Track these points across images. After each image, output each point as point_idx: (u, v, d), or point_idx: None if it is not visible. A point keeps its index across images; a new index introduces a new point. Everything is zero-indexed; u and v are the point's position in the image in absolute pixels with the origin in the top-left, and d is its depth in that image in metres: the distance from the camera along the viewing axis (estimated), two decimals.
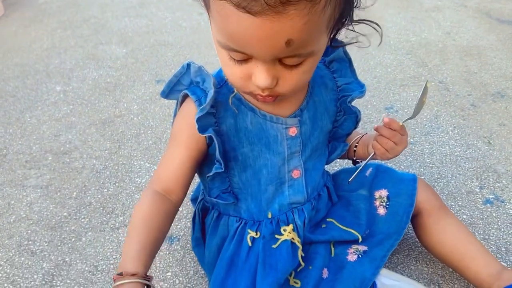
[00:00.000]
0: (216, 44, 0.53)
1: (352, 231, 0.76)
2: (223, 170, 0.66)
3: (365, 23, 0.61)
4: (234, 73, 0.54)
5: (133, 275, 0.54)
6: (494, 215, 0.94)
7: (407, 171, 1.07)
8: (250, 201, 0.72)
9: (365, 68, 1.58)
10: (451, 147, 1.15)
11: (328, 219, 0.79)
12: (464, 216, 0.94)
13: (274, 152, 0.68)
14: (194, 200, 0.93)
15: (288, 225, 0.73)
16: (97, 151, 1.16)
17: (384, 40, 1.81)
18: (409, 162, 1.10)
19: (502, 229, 0.90)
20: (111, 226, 0.93)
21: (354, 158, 0.82)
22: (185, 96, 0.66)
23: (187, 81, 0.66)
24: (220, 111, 0.65)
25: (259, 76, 0.52)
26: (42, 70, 1.61)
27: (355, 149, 0.79)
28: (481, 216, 0.94)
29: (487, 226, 0.91)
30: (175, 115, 0.71)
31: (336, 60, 0.73)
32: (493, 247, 0.86)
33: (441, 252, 0.77)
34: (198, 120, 0.61)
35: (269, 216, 0.73)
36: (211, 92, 0.61)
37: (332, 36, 0.57)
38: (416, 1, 2.23)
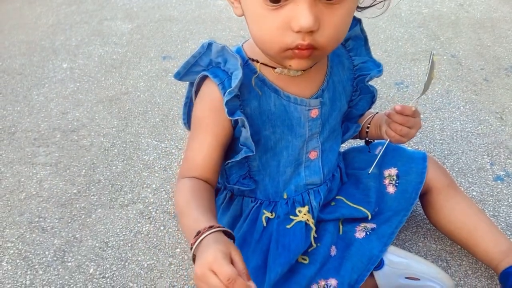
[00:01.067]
0: (248, 2, 0.52)
1: (362, 208, 0.76)
2: (254, 153, 0.63)
3: None
4: (269, 25, 0.51)
5: (210, 227, 0.51)
6: (504, 191, 0.93)
7: (417, 147, 1.06)
8: (267, 182, 0.72)
9: (375, 42, 1.54)
10: (462, 123, 1.13)
11: (337, 197, 0.78)
12: (474, 193, 0.93)
13: (296, 135, 0.67)
14: None
15: (303, 206, 0.73)
16: (104, 128, 1.16)
17: (395, 12, 1.76)
18: (419, 139, 1.08)
19: None
20: (120, 203, 0.93)
21: (367, 139, 0.81)
22: (203, 78, 0.63)
23: (206, 61, 0.62)
24: (244, 93, 0.62)
25: (302, 15, 0.49)
26: (48, 47, 1.60)
27: (367, 130, 0.79)
28: (491, 193, 0.93)
29: (497, 203, 0.90)
30: (188, 97, 0.69)
31: (352, 38, 0.71)
32: (503, 224, 0.86)
33: (450, 229, 0.76)
34: (227, 103, 0.58)
35: (285, 197, 0.73)
36: (238, 74, 0.58)
37: None
38: None
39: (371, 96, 0.75)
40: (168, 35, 1.67)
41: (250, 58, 0.64)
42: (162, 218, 0.90)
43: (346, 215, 0.76)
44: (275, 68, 0.63)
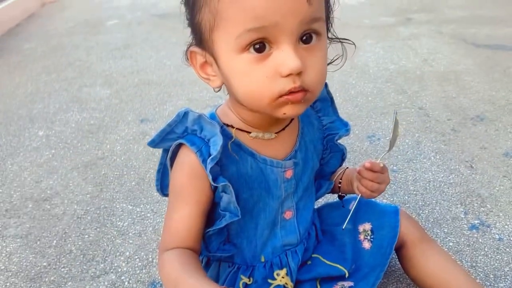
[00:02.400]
0: (229, 60, 0.53)
1: (339, 266, 0.75)
2: (239, 217, 0.62)
3: (341, 41, 0.64)
4: (258, 77, 0.52)
5: None
6: (480, 240, 0.93)
7: (391, 199, 1.07)
8: (245, 246, 0.70)
9: (346, 97, 1.60)
10: (434, 173, 1.16)
11: (313, 255, 0.78)
12: (451, 244, 0.93)
13: (274, 196, 0.68)
14: None
15: (281, 268, 0.72)
16: (78, 195, 1.15)
17: (364, 69, 1.85)
18: (393, 190, 1.10)
19: (489, 255, 0.89)
20: (91, 274, 0.90)
21: (340, 193, 0.82)
22: (179, 145, 0.63)
23: (181, 129, 0.62)
24: (222, 159, 0.62)
25: (288, 58, 0.50)
26: (25, 115, 1.61)
27: (339, 185, 0.80)
28: (468, 243, 0.93)
29: (474, 252, 0.90)
30: (162, 163, 0.68)
31: (320, 99, 0.74)
32: (481, 274, 0.85)
33: (427, 284, 0.75)
34: (210, 170, 0.58)
35: (262, 260, 0.72)
36: (218, 140, 0.58)
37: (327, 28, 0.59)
38: (393, 31, 2.29)
39: (341, 154, 0.78)
40: (146, 98, 1.71)
41: (224, 124, 0.65)
42: None
43: (323, 274, 0.75)
44: (249, 132, 0.64)
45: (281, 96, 0.53)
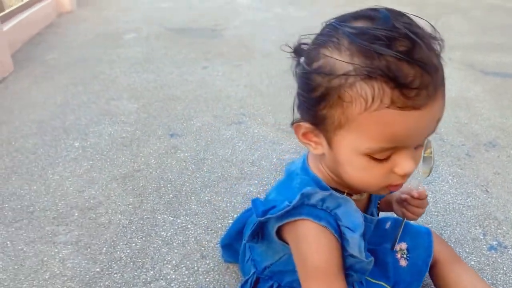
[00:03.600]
0: (350, 154, 0.56)
1: (383, 284, 0.83)
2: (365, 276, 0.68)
3: None
4: (374, 174, 0.57)
5: None
6: (499, 260, 1.02)
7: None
8: None
9: None
10: (453, 195, 1.25)
11: None
12: (472, 263, 1.01)
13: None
14: (225, 246, 0.98)
15: None
16: (121, 205, 1.22)
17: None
18: None
19: (508, 274, 0.98)
20: (143, 280, 0.97)
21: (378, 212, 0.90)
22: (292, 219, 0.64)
23: (298, 203, 0.63)
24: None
25: (407, 165, 0.55)
26: (58, 126, 1.68)
27: (378, 206, 0.88)
28: (488, 262, 1.01)
29: (494, 271, 0.99)
30: (258, 224, 0.70)
31: None
32: None
33: None
34: (362, 248, 0.63)
35: None
36: (357, 215, 0.64)
37: None
38: None
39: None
40: (173, 113, 1.79)
41: (332, 188, 0.67)
42: None
43: None
44: (351, 195, 0.68)
45: (388, 186, 0.60)
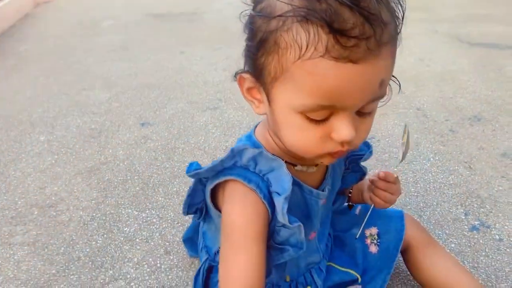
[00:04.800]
0: (286, 112, 0.51)
1: (351, 271, 0.77)
2: (304, 250, 0.60)
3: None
4: (310, 136, 0.51)
5: None
6: (481, 241, 0.95)
7: None
8: (271, 268, 0.69)
9: None
10: (434, 174, 1.18)
11: (327, 264, 0.79)
12: (453, 245, 0.95)
13: (312, 225, 0.68)
14: (186, 240, 0.93)
15: (306, 286, 0.73)
16: (83, 201, 1.16)
17: (391, 96, 1.86)
18: None
19: (490, 256, 0.92)
20: (101, 281, 0.91)
21: (350, 203, 0.84)
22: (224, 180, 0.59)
23: (230, 163, 0.59)
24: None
25: (344, 130, 0.49)
26: (25, 120, 1.61)
27: (349, 195, 0.82)
28: (469, 244, 0.95)
29: (475, 253, 0.93)
30: (194, 189, 0.67)
31: None
32: (483, 275, 0.87)
33: (432, 285, 0.78)
34: (285, 210, 0.56)
35: (287, 279, 0.73)
36: (285, 178, 0.57)
37: None
38: None
39: (360, 174, 0.79)
40: (146, 101, 1.71)
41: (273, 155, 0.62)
42: None
43: (337, 281, 0.77)
44: (294, 165, 0.63)
45: (326, 153, 0.54)
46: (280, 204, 0.56)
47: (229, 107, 1.62)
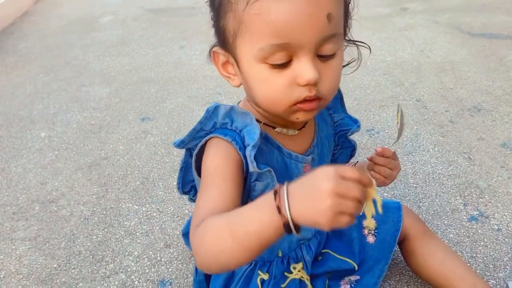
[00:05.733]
0: (251, 66, 0.55)
1: (349, 260, 0.78)
2: None
3: (356, 44, 0.66)
4: (276, 85, 0.55)
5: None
6: (479, 232, 0.96)
7: (392, 193, 1.09)
8: None
9: (344, 91, 1.59)
10: (433, 165, 1.18)
11: (324, 250, 0.80)
12: (451, 235, 0.95)
13: None
14: (186, 234, 0.93)
15: (298, 262, 0.74)
16: (84, 196, 1.16)
17: (361, 61, 1.86)
18: (393, 184, 1.12)
19: (489, 246, 0.92)
20: (102, 274, 0.92)
21: None
22: (207, 141, 0.62)
23: (210, 125, 0.62)
24: None
25: (306, 69, 0.53)
26: (26, 116, 1.62)
27: None
28: (467, 234, 0.95)
29: (474, 243, 0.93)
30: (185, 161, 0.69)
31: None
32: (481, 265, 0.88)
33: (428, 275, 0.78)
34: (252, 157, 0.57)
35: (279, 254, 0.73)
36: (254, 129, 0.59)
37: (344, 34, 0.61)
38: (389, 21, 2.30)
39: (351, 149, 0.80)
40: (146, 96, 1.72)
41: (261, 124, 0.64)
42: (145, 287, 0.88)
43: (334, 268, 0.78)
44: (274, 127, 0.66)
45: (296, 103, 0.56)
46: (248, 151, 0.58)
47: (228, 101, 1.62)
